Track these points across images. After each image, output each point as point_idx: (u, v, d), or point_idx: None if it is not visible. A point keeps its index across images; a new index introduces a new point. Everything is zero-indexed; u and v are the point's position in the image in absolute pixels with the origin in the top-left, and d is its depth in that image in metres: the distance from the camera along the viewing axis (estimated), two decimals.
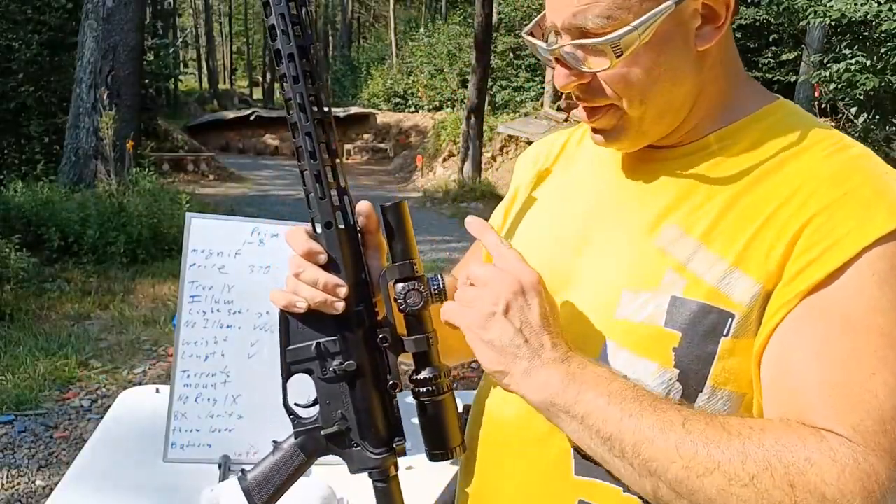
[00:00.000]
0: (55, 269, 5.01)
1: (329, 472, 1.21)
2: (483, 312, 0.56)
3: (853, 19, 6.27)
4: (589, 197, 0.67)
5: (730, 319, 0.55)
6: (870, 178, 0.55)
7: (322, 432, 0.63)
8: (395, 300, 0.60)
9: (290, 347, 0.64)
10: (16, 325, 3.86)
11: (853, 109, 7.48)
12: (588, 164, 0.70)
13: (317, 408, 0.64)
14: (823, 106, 8.87)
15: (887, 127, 7.28)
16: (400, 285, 0.60)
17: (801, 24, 7.34)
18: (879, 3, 6.05)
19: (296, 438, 0.65)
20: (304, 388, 0.65)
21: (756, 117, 0.61)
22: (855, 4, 6.11)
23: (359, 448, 0.63)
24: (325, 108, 0.61)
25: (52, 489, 1.48)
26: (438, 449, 0.62)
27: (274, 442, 0.66)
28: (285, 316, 0.64)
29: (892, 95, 6.74)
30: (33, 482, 2.39)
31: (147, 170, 6.90)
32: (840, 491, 0.47)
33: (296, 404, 0.65)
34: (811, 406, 0.51)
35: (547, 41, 0.62)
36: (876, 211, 0.53)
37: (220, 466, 1.19)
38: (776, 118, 0.61)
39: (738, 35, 11.90)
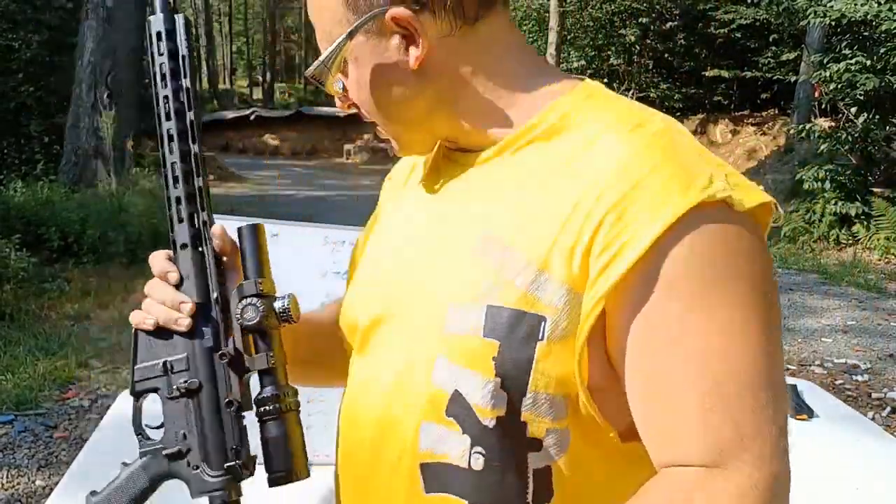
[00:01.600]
0: (55, 269, 5.01)
1: (330, 471, 1.21)
2: None
3: (853, 19, 6.28)
4: (416, 214, 0.67)
5: (543, 323, 0.54)
6: (662, 161, 0.52)
7: (163, 453, 0.62)
8: (235, 316, 0.62)
9: (139, 366, 0.63)
10: (16, 324, 3.86)
11: (853, 109, 7.47)
12: (418, 177, 0.70)
13: (163, 429, 0.63)
14: (823, 106, 8.87)
15: (887, 127, 7.28)
16: (242, 301, 0.62)
17: (801, 24, 7.34)
18: (879, 3, 6.05)
19: (141, 459, 0.63)
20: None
21: (551, 109, 0.59)
22: (855, 4, 6.11)
23: (198, 470, 0.61)
24: (194, 139, 0.64)
25: (51, 489, 1.48)
26: (278, 470, 0.61)
27: (123, 463, 0.65)
28: (136, 334, 0.64)
29: (892, 95, 6.74)
30: (33, 482, 2.39)
31: (147, 170, 6.90)
32: None
33: (146, 426, 0.64)
34: (670, 440, 0.52)
35: None
36: (666, 199, 0.50)
37: None
38: (571, 107, 0.58)
39: (739, 34, 11.91)
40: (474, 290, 0.57)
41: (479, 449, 0.57)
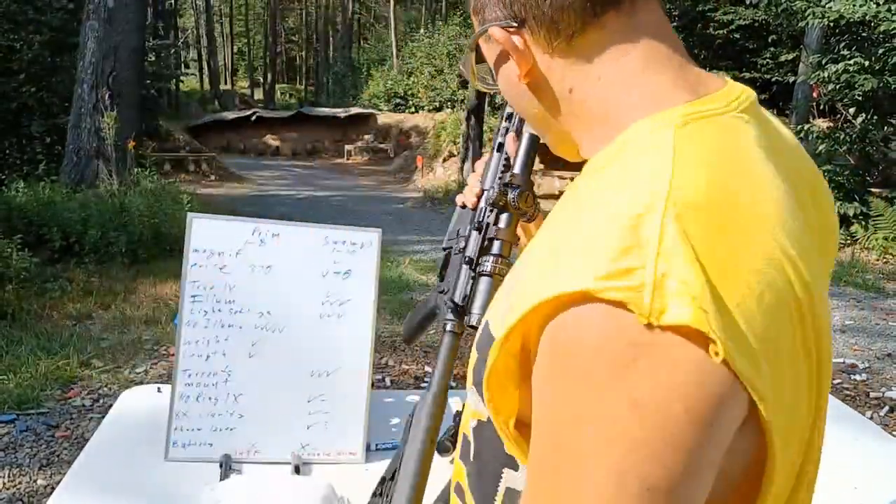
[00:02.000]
0: (57, 269, 5.02)
1: (330, 471, 1.22)
2: None
3: (851, 20, 6.28)
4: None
5: (492, 342, 0.51)
6: (598, 213, 0.46)
7: (437, 290, 0.86)
8: (486, 194, 0.83)
9: (449, 230, 0.87)
10: (17, 324, 3.87)
11: (851, 110, 7.48)
12: None
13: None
14: (822, 107, 8.87)
15: (885, 127, 7.28)
16: (494, 184, 0.83)
17: (800, 24, 7.35)
18: (878, 4, 6.06)
19: (434, 294, 0.87)
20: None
21: (613, 144, 0.53)
22: (853, 5, 6.12)
23: (445, 306, 0.81)
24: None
25: (53, 488, 1.49)
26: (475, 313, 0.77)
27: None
28: (457, 209, 0.88)
29: (890, 96, 6.75)
30: (35, 481, 2.40)
31: (148, 170, 6.91)
32: None
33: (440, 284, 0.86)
34: None
35: None
36: (554, 271, 0.45)
37: (221, 465, 1.20)
38: (619, 145, 0.52)
39: (737, 35, 11.91)
40: (494, 303, 0.61)
41: (472, 439, 0.60)
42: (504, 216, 0.78)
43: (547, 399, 0.44)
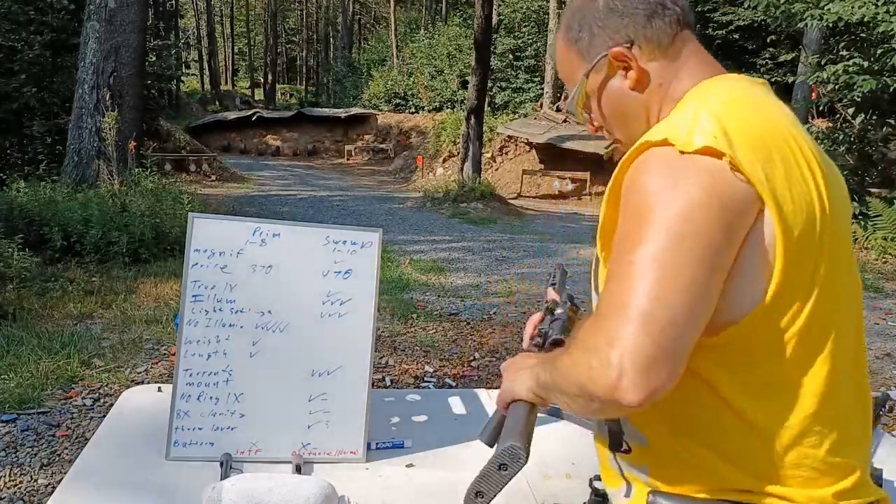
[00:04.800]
0: (58, 269, 5.02)
1: (330, 470, 1.23)
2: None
3: (850, 21, 6.28)
4: None
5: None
6: (661, 125, 0.78)
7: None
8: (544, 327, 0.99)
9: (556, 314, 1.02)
10: (18, 324, 3.88)
11: (850, 110, 7.48)
12: None
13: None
14: (821, 107, 8.87)
15: (884, 128, 7.28)
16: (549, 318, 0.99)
17: (799, 25, 7.35)
18: (876, 5, 6.05)
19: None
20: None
21: (672, 111, 0.81)
22: (852, 7, 6.12)
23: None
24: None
25: (54, 487, 1.49)
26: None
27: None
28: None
29: (889, 96, 6.74)
30: (36, 480, 2.41)
31: (149, 170, 6.91)
32: (593, 344, 0.68)
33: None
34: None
35: None
36: (636, 148, 0.75)
37: (221, 465, 1.20)
38: (677, 106, 0.81)
39: (736, 36, 11.91)
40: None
41: None
42: (563, 326, 0.95)
43: (627, 203, 0.72)
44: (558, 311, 0.97)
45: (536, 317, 1.01)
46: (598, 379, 0.65)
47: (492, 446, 0.86)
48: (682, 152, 0.70)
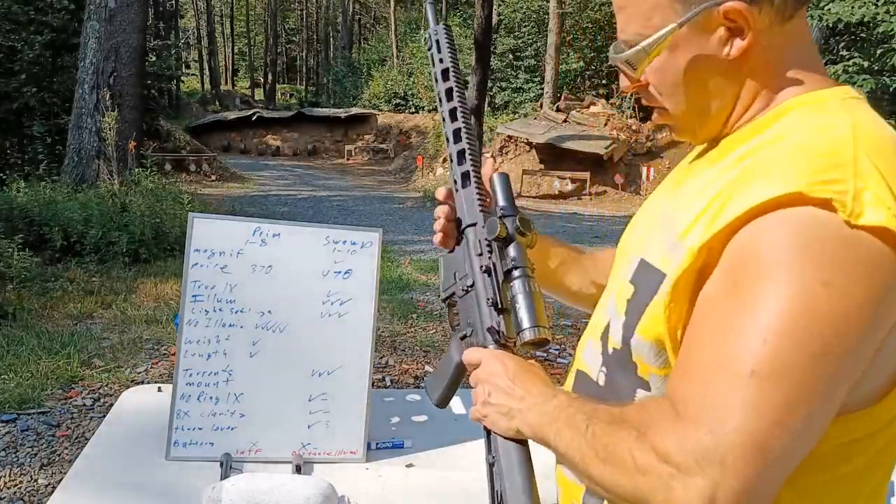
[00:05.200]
0: (58, 269, 5.02)
1: (330, 470, 1.22)
2: (479, 405, 0.71)
3: (850, 22, 6.29)
4: (669, 182, 0.78)
5: (661, 280, 0.63)
6: (802, 145, 0.57)
7: (458, 336, 0.80)
8: (481, 233, 0.79)
9: (442, 280, 0.85)
10: (19, 324, 3.87)
11: None
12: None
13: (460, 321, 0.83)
14: None
15: None
16: (488, 221, 0.78)
17: None
18: (876, 5, 6.06)
19: (451, 344, 0.83)
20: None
21: (772, 112, 0.64)
22: (852, 8, 6.12)
23: (478, 342, 0.77)
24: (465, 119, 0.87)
25: (54, 487, 1.49)
26: (531, 325, 0.71)
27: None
28: (441, 258, 0.87)
29: (889, 96, 6.74)
30: (35, 480, 2.41)
31: (149, 170, 6.90)
32: (664, 450, 0.53)
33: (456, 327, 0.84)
34: (673, 374, 0.59)
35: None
36: (774, 176, 0.55)
37: (221, 464, 1.20)
38: (784, 112, 0.63)
39: None
40: (643, 247, 0.69)
41: (603, 369, 0.71)
42: (512, 247, 0.74)
43: (750, 273, 0.54)
44: (507, 225, 0.75)
45: (443, 209, 0.87)
46: (668, 497, 0.52)
47: (442, 407, 0.84)
48: (848, 224, 0.52)
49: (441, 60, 0.89)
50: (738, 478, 0.50)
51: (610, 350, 0.69)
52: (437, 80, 0.89)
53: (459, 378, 0.82)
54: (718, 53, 0.62)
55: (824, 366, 0.51)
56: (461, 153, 0.85)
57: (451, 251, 0.85)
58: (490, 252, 0.77)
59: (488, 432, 0.71)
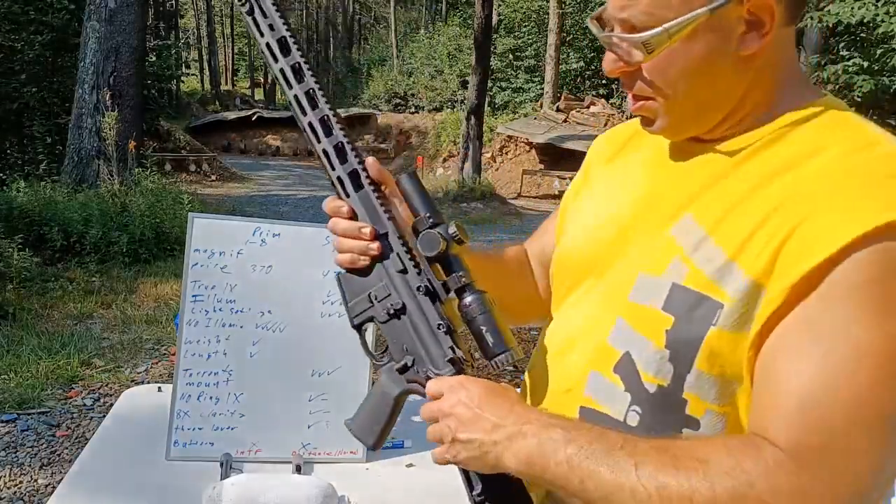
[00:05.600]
0: (58, 269, 5.02)
1: (330, 470, 1.22)
2: (447, 445, 0.64)
3: (850, 23, 6.29)
4: (636, 185, 0.71)
5: (718, 310, 0.58)
6: (872, 179, 0.54)
7: (395, 368, 0.71)
8: (416, 250, 0.69)
9: (351, 303, 0.72)
10: (18, 324, 3.88)
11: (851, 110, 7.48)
12: (646, 152, 0.74)
13: (386, 349, 0.73)
14: None
15: (884, 128, 7.29)
16: (420, 236, 0.68)
17: (799, 25, 7.35)
18: (876, 6, 6.06)
19: (381, 379, 0.73)
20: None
21: (790, 117, 0.62)
22: (851, 9, 6.12)
23: (424, 374, 0.70)
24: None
25: (54, 487, 1.49)
26: (498, 351, 0.65)
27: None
28: (339, 278, 0.73)
29: (890, 96, 6.75)
30: (35, 480, 2.41)
31: (149, 170, 6.90)
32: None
33: (375, 352, 0.75)
34: (771, 417, 0.53)
35: (605, 29, 0.66)
36: (867, 206, 0.52)
37: (222, 465, 1.20)
38: (810, 119, 0.61)
39: None
40: (662, 266, 0.62)
41: (636, 408, 0.63)
42: (454, 261, 0.67)
43: (871, 308, 0.50)
44: (444, 236, 0.66)
45: (346, 222, 0.70)
46: None
47: (377, 449, 0.73)
48: None
49: (272, 27, 0.68)
50: None
51: (647, 386, 0.62)
52: (271, 55, 0.69)
53: (397, 415, 0.74)
54: (734, 47, 0.59)
55: None
56: (339, 149, 0.69)
57: (356, 270, 0.70)
58: (417, 268, 0.67)
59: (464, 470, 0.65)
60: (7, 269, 4.34)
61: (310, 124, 0.70)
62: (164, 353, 3.58)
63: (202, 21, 34.04)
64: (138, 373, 3.33)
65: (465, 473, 0.66)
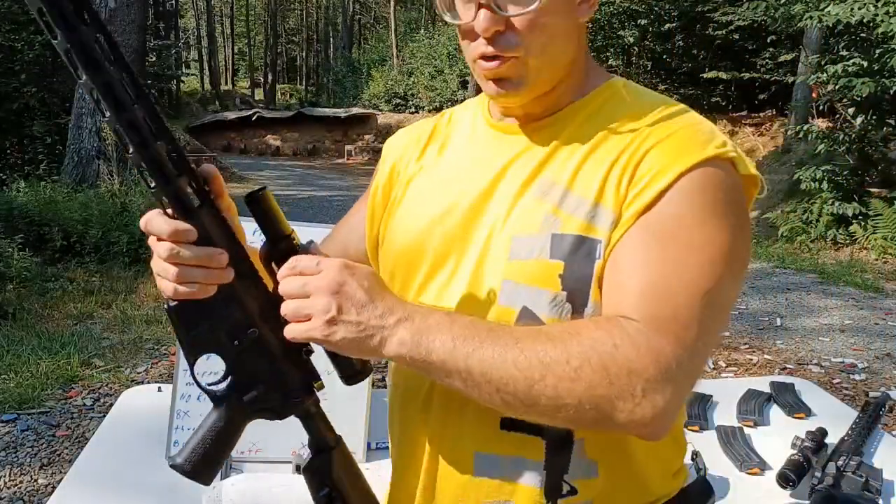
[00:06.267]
0: (58, 269, 5.02)
1: None
2: (322, 322, 0.61)
3: (850, 23, 6.28)
4: (469, 171, 0.76)
5: (598, 245, 0.66)
6: (689, 125, 0.69)
7: (244, 399, 0.67)
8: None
9: (193, 333, 0.64)
10: (18, 324, 3.88)
11: (851, 110, 7.48)
12: (462, 144, 0.80)
13: (228, 379, 0.67)
14: (821, 107, 8.87)
15: (884, 128, 7.28)
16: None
17: (799, 24, 7.35)
18: (876, 6, 6.05)
19: (220, 411, 0.68)
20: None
21: (603, 88, 0.74)
22: (851, 10, 6.11)
23: (276, 400, 0.68)
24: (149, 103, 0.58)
25: (54, 487, 1.49)
26: (352, 373, 0.67)
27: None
28: (177, 306, 0.63)
29: (890, 97, 6.74)
30: (35, 480, 2.41)
31: None
32: (640, 364, 0.58)
33: (208, 384, 0.68)
34: (625, 301, 0.63)
35: None
36: (691, 148, 0.66)
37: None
38: (618, 88, 0.74)
39: (736, 36, 11.91)
40: (535, 224, 0.68)
41: None
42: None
43: (697, 209, 0.64)
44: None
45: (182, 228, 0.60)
46: (633, 409, 0.57)
47: (209, 483, 0.68)
48: (741, 174, 0.68)
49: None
50: (684, 387, 0.60)
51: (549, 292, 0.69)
52: (53, 30, 0.55)
53: (233, 446, 0.69)
54: (574, 12, 0.69)
55: (732, 295, 0.65)
56: (170, 160, 0.58)
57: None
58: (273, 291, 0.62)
59: (311, 426, 0.70)
60: (7, 269, 4.34)
61: (128, 121, 0.55)
62: (164, 353, 3.58)
63: (202, 21, 34.05)
64: (138, 373, 3.33)
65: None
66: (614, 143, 0.69)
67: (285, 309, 0.62)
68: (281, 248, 0.64)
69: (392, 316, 0.61)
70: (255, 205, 0.64)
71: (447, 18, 0.70)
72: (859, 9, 6.08)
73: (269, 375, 0.66)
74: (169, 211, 0.61)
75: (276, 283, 0.64)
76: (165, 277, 0.63)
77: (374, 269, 0.68)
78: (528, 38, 0.66)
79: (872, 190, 7.28)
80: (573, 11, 0.69)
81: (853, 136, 7.23)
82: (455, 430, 0.71)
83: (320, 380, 0.71)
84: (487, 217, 0.72)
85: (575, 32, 0.70)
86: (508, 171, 0.73)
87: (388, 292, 0.63)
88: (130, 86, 0.56)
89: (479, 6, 0.66)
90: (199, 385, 0.67)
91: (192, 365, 0.65)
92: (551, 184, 0.69)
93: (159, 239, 0.62)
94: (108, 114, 0.55)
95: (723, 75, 11.48)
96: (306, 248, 0.65)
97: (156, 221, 0.62)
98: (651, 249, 0.63)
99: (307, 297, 0.61)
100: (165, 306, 0.64)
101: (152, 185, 0.59)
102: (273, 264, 0.65)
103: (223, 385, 0.67)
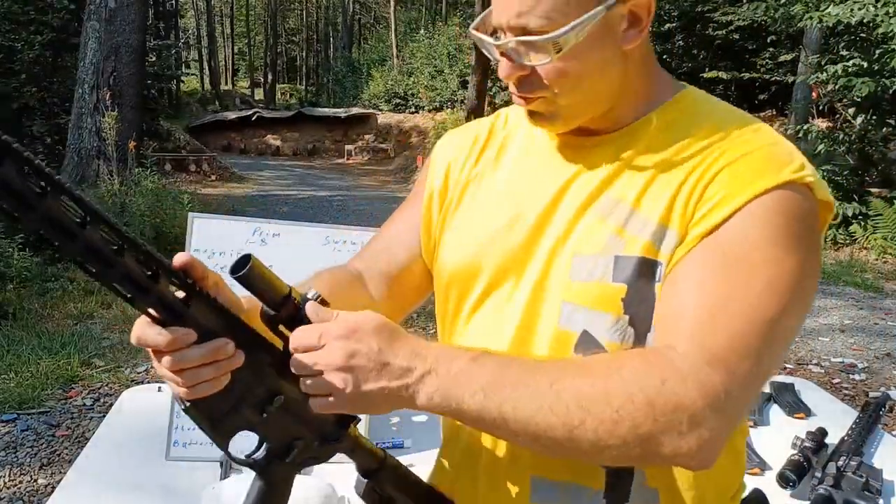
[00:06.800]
0: (58, 269, 5.02)
1: (330, 470, 1.23)
2: (344, 399, 0.58)
3: (849, 23, 6.28)
4: (529, 184, 0.74)
5: (660, 267, 0.64)
6: (765, 145, 0.66)
7: (286, 460, 0.65)
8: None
9: (218, 422, 0.62)
10: (18, 324, 3.88)
11: (851, 110, 7.48)
12: (521, 153, 0.77)
13: (264, 446, 0.66)
14: (821, 107, 8.86)
15: (884, 128, 7.28)
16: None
17: (799, 24, 7.34)
18: (875, 7, 6.05)
19: (266, 478, 0.66)
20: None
21: (671, 103, 0.71)
22: (851, 10, 6.11)
23: (320, 449, 0.66)
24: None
25: (54, 487, 1.49)
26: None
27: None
28: (193, 404, 0.60)
29: (890, 97, 6.74)
30: (35, 480, 2.41)
31: (149, 170, 6.90)
32: (687, 398, 0.55)
33: (246, 456, 0.66)
34: (679, 325, 0.60)
35: (493, 37, 0.68)
36: (766, 171, 0.63)
37: (221, 465, 1.21)
38: (688, 102, 0.72)
39: (736, 36, 11.91)
40: (599, 244, 0.66)
41: None
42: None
43: (769, 235, 0.61)
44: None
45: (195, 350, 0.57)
46: (679, 443, 0.54)
47: None
48: (815, 198, 0.64)
49: None
50: (734, 416, 0.58)
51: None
52: None
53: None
54: (618, 43, 0.66)
55: (793, 332, 0.63)
56: (148, 262, 0.55)
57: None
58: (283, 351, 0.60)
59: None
60: (7, 269, 4.34)
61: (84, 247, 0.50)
62: None
63: (202, 21, 34.05)
64: (138, 373, 3.33)
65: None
66: (684, 161, 0.66)
67: (304, 388, 0.59)
68: (284, 313, 0.61)
69: (413, 372, 0.57)
70: (245, 280, 0.60)
71: (485, 53, 0.69)
72: (859, 9, 6.07)
73: (303, 430, 0.65)
74: (154, 314, 0.57)
75: (286, 342, 0.61)
76: (175, 383, 0.59)
77: (380, 316, 0.60)
78: (553, 82, 0.65)
79: (872, 190, 7.28)
80: (611, 44, 0.65)
81: (853, 136, 7.23)
82: (512, 448, 0.68)
83: (356, 417, 0.67)
84: (548, 235, 0.69)
85: (618, 62, 0.66)
86: (571, 186, 0.70)
87: (402, 342, 0.58)
88: (77, 206, 0.49)
89: (501, 54, 0.66)
90: (237, 461, 0.65)
91: (224, 448, 0.63)
92: (616, 202, 0.67)
93: (157, 352, 0.58)
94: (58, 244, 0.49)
95: (723, 75, 11.47)
96: (306, 301, 0.62)
97: (148, 335, 0.57)
98: (712, 271, 0.60)
99: (321, 375, 0.58)
100: (182, 407, 0.61)
101: (129, 296, 0.55)
102: (280, 327, 0.61)
103: (261, 454, 0.65)
